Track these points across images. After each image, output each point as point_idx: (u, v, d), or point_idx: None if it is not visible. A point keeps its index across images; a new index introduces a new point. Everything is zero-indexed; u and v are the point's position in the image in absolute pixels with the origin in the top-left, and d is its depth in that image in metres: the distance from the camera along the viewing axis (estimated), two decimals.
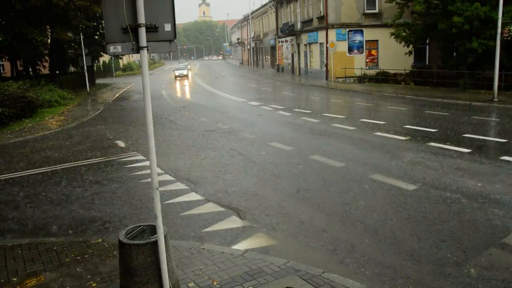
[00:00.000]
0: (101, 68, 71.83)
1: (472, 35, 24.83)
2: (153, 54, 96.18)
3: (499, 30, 21.92)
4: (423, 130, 15.19)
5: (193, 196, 9.26)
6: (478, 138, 13.64)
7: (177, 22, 4.98)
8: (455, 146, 12.67)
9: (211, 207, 8.55)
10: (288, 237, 7.11)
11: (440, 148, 12.52)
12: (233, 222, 7.76)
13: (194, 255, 6.32)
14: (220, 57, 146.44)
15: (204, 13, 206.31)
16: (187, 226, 7.71)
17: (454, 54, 28.73)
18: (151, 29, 4.60)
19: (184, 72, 58.69)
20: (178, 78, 56.69)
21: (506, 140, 13.22)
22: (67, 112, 25.89)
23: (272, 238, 7.08)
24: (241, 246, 6.80)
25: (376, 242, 6.76)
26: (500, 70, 22.85)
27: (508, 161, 10.88)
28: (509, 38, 23.92)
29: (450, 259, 6.11)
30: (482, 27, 24.48)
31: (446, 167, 10.60)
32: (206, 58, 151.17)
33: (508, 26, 23.38)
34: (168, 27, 4.71)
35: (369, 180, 9.86)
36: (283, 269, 5.79)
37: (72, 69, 52.01)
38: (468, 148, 12.27)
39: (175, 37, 4.81)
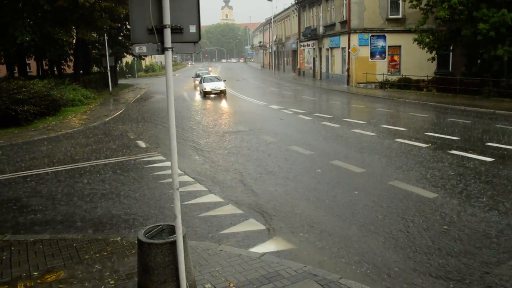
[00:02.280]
0: (124, 69, 72.77)
1: (497, 42, 24.37)
2: (175, 56, 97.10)
3: None
4: (445, 138, 14.96)
5: (212, 198, 9.30)
6: (502, 147, 13.38)
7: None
8: (478, 154, 12.44)
9: (229, 209, 8.57)
10: (307, 242, 7.08)
11: (462, 156, 12.31)
12: (251, 225, 7.76)
13: (211, 257, 6.33)
14: (242, 60, 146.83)
15: (226, 15, 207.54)
16: (205, 227, 7.74)
17: (479, 61, 28.23)
18: (176, 30, 4.65)
19: (219, 85, 34.16)
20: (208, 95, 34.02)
21: None
22: (90, 111, 26.30)
23: (291, 242, 7.06)
24: (258, 249, 6.79)
25: (396, 252, 6.68)
26: None
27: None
28: None
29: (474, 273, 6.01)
30: (509, 34, 24.01)
31: (467, 175, 10.42)
32: (224, 61, 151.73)
33: None
34: (193, 28, 4.75)
35: (389, 186, 9.76)
36: (300, 274, 5.76)
37: (95, 69, 52.82)
38: (491, 157, 12.04)
39: (199, 38, 4.85)
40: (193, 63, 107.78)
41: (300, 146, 14.17)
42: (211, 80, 35.67)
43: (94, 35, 37.16)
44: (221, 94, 33.83)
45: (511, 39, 23.76)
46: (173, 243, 4.72)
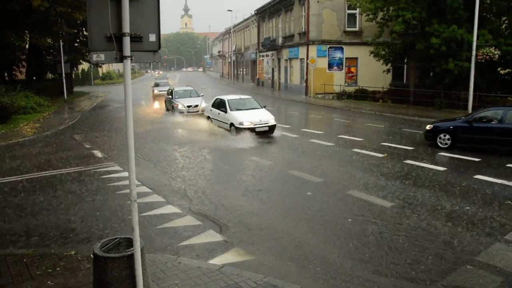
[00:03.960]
0: (80, 76, 70.93)
1: (448, 56, 25.43)
2: (133, 64, 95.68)
3: (474, 52, 22.52)
4: (400, 148, 15.39)
5: (171, 209, 9.14)
6: (452, 157, 13.90)
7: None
8: (430, 164, 12.88)
9: (188, 220, 8.44)
10: (266, 252, 7.06)
11: (416, 166, 12.69)
12: (210, 236, 7.66)
13: (170, 269, 6.20)
14: (200, 69, 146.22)
15: (186, 24, 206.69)
16: (163, 239, 7.59)
17: (431, 74, 29.34)
18: (136, 38, 4.56)
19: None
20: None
21: (480, 159, 13.46)
22: (43, 120, 25.40)
23: (250, 253, 7.02)
24: (218, 260, 6.71)
25: (353, 259, 6.76)
26: (474, 91, 23.46)
27: (480, 179, 11.12)
28: (483, 61, 24.58)
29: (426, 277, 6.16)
30: (458, 49, 25.11)
31: (421, 184, 10.74)
32: (184, 69, 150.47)
33: (482, 49, 24.04)
34: (152, 37, 4.68)
35: (347, 195, 9.92)
36: (260, 285, 5.73)
37: (50, 75, 51.19)
38: (443, 167, 12.49)
39: (159, 47, 4.78)
40: (160, 71, 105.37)
41: (258, 157, 14.20)
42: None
43: (49, 40, 36.01)
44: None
45: (461, 53, 24.83)
46: (131, 257, 4.59)
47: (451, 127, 15.42)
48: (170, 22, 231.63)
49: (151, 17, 4.68)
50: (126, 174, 11.32)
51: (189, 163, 13.55)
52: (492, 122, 14.68)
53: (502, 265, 6.59)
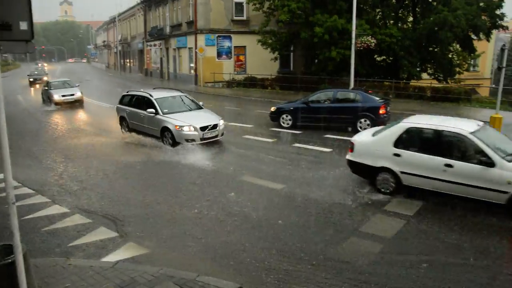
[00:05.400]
0: None
1: (331, 44, 26.95)
2: (5, 55, 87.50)
3: (353, 41, 24.06)
4: (289, 132, 16.03)
5: (57, 209, 8.60)
6: (338, 138, 14.87)
7: (35, 20, 4.57)
8: (318, 146, 13.64)
9: (77, 219, 8.02)
10: (162, 244, 6.98)
11: (304, 148, 13.35)
12: (102, 233, 7.37)
13: (59, 273, 5.86)
14: (84, 60, 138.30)
15: (66, 12, 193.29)
16: (51, 242, 7.13)
17: (316, 61, 30.87)
18: (4, 27, 4.17)
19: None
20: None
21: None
22: None
23: (145, 246, 6.88)
24: (111, 257, 6.49)
25: (251, 242, 6.95)
26: (355, 76, 25.10)
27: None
28: (361, 49, 26.40)
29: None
30: (340, 38, 26.71)
31: (309, 165, 11.34)
32: (66, 61, 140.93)
33: (361, 38, 25.81)
34: (24, 25, 4.32)
35: (241, 181, 10.13)
36: (157, 277, 5.66)
37: None
38: (329, 148, 13.31)
39: (32, 37, 4.43)
40: (42, 64, 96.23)
41: (149, 148, 13.89)
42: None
43: None
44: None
45: (342, 42, 26.44)
46: (12, 264, 4.25)
47: (292, 108, 16.93)
48: (48, 10, 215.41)
49: (22, 2, 4.31)
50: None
51: (76, 157, 12.82)
52: (325, 102, 16.48)
53: (382, 233, 7.24)
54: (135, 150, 13.88)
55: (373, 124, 15.16)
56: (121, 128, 16.34)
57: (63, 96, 25.35)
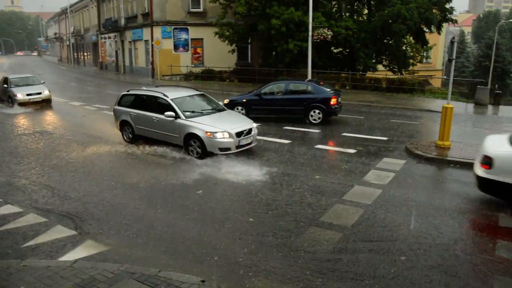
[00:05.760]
0: None
1: (288, 36, 27.10)
2: None
3: (310, 33, 24.30)
4: None
5: (10, 209, 8.23)
6: (295, 130, 15.02)
7: None
8: (278, 138, 13.75)
9: (32, 219, 7.72)
10: (123, 240, 6.83)
11: (264, 140, 13.40)
12: (60, 232, 7.13)
13: (13, 275, 5.62)
14: (35, 53, 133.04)
15: (13, 2, 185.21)
16: (3, 243, 6.83)
17: (274, 53, 30.97)
18: None
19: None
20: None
21: (319, 131, 14.79)
22: None
23: (105, 243, 6.72)
24: (69, 256, 6.30)
25: (210, 234, 6.92)
26: (312, 68, 25.41)
27: (319, 148, 12.44)
28: (318, 41, 26.70)
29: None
30: (297, 30, 26.91)
31: (270, 156, 11.42)
32: (15, 54, 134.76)
33: (317, 30, 26.08)
34: None
35: (205, 176, 10.07)
36: (118, 274, 5.54)
37: None
38: (289, 140, 13.43)
39: None
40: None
41: (108, 144, 13.55)
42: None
43: None
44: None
45: (299, 34, 26.63)
46: None
47: (244, 100, 17.05)
48: None
49: None
50: None
51: (30, 152, 12.33)
52: (278, 94, 16.69)
53: (341, 222, 7.36)
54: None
55: (324, 115, 15.64)
56: (123, 135, 13.62)
57: (28, 95, 21.65)
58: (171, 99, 12.18)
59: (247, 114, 16.45)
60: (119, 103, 13.78)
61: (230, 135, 11.16)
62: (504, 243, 6.66)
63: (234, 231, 7.09)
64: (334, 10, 30.64)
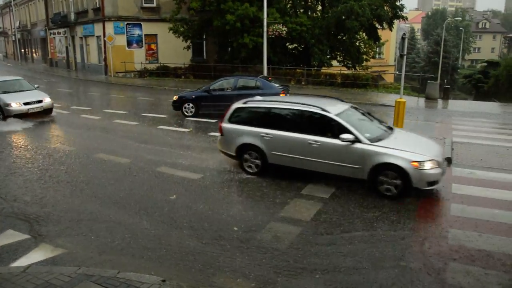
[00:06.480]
0: None
1: (244, 32, 27.10)
2: None
3: (265, 29, 24.39)
4: (206, 121, 15.92)
5: None
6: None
7: None
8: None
9: None
10: (79, 242, 6.62)
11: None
12: (11, 237, 6.80)
13: None
14: None
15: None
16: None
17: (229, 49, 30.87)
18: None
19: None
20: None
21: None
22: None
23: (61, 246, 6.48)
24: (22, 262, 6.04)
25: (165, 228, 6.83)
26: (268, 64, 25.56)
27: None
28: (273, 36, 26.86)
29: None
30: (252, 26, 26.96)
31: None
32: None
33: (272, 26, 26.22)
34: None
35: (158, 173, 9.91)
36: (75, 278, 5.35)
37: None
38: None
39: None
40: None
41: (61, 143, 13.11)
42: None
43: None
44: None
45: (255, 30, 26.69)
46: None
47: (194, 97, 16.99)
48: None
49: None
50: None
51: None
52: (227, 90, 16.64)
53: (300, 216, 7.45)
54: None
55: None
56: (243, 163, 9.92)
57: (26, 104, 16.62)
58: (336, 115, 9.02)
59: (197, 111, 16.40)
60: (232, 120, 10.23)
61: (438, 164, 8.39)
62: None
63: (190, 226, 7.02)
64: (288, 6, 30.90)
